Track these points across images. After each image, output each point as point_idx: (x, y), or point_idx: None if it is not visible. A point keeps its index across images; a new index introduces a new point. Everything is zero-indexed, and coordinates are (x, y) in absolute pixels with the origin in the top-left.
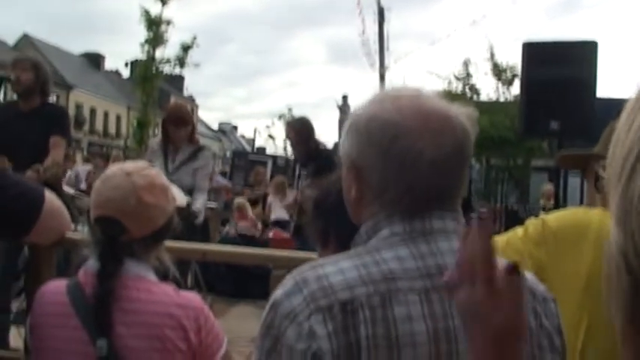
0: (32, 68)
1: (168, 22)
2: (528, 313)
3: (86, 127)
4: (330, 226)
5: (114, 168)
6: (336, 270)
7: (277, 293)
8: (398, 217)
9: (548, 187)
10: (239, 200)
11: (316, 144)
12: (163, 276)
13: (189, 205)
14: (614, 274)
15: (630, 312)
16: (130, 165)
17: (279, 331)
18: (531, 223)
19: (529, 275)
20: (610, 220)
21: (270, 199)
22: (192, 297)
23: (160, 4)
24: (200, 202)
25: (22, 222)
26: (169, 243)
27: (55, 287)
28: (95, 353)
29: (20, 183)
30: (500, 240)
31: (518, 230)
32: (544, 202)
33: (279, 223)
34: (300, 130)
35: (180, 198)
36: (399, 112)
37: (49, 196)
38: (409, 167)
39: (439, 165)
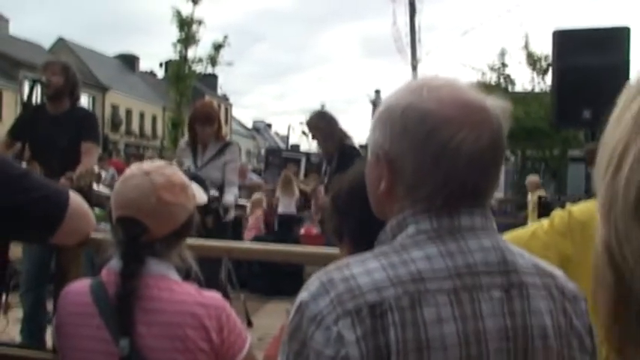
0: (62, 71)
1: (200, 22)
2: (558, 312)
3: (122, 129)
4: (344, 223)
5: (133, 168)
6: (363, 270)
7: (303, 295)
8: (425, 214)
9: None
10: (256, 195)
11: (341, 138)
12: (186, 275)
13: (219, 198)
14: (600, 267)
15: (614, 307)
16: (148, 164)
17: (306, 335)
18: (557, 214)
19: (559, 272)
20: (597, 218)
21: (277, 193)
22: (214, 296)
23: (191, 4)
24: (230, 196)
25: (47, 224)
26: (192, 241)
27: (79, 287)
28: (118, 352)
29: (45, 185)
30: (525, 232)
31: (544, 222)
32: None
33: (285, 217)
34: (318, 125)
35: (201, 196)
36: (438, 101)
37: (74, 197)
38: (447, 160)
39: (477, 159)
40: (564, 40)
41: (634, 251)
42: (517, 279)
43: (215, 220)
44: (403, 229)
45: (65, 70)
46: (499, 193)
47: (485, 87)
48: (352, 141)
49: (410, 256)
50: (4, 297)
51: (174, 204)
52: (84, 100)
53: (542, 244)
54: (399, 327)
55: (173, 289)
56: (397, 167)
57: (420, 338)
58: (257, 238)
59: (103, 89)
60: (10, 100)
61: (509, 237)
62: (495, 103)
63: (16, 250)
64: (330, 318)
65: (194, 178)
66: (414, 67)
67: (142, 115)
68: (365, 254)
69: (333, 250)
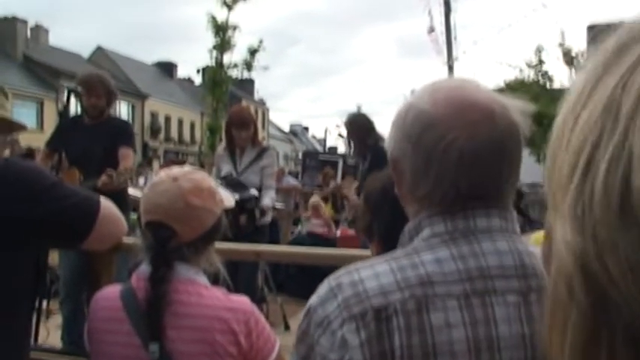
0: (105, 95)
1: (235, 27)
2: None
3: (162, 135)
4: (374, 222)
5: (162, 174)
6: (371, 274)
7: (313, 299)
8: (439, 217)
9: None
10: (314, 199)
11: (374, 140)
12: (214, 279)
13: (257, 198)
14: (563, 296)
15: (586, 343)
16: (176, 170)
17: (313, 339)
18: None
19: None
20: (560, 233)
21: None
22: (243, 300)
23: (226, 10)
24: (268, 199)
25: (79, 230)
26: (221, 245)
27: (109, 293)
28: (148, 357)
29: (75, 192)
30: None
31: None
32: None
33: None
34: (350, 126)
35: (229, 200)
36: (434, 103)
37: (105, 202)
38: (438, 159)
39: (472, 157)
40: (599, 34)
41: (620, 262)
42: (536, 283)
43: (249, 219)
44: (419, 232)
45: (107, 91)
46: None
47: (523, 84)
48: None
49: (420, 259)
50: (44, 303)
51: (201, 208)
52: (124, 108)
53: None
54: (404, 332)
55: (202, 294)
56: (400, 168)
57: (427, 344)
58: (295, 241)
59: (142, 97)
60: (51, 110)
61: (539, 236)
62: (511, 104)
63: (56, 257)
64: (336, 322)
65: (236, 184)
66: (450, 66)
67: (180, 122)
68: (376, 258)
69: (361, 252)
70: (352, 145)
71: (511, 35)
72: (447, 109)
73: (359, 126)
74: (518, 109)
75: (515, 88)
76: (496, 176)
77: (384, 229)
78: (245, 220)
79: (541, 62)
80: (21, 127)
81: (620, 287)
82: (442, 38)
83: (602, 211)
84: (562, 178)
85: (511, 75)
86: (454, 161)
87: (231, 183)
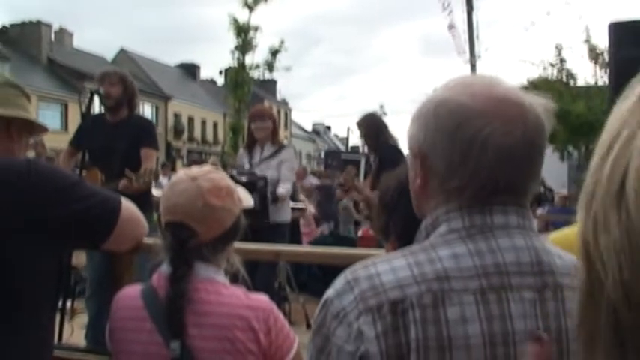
0: (120, 82)
1: (256, 28)
2: None
3: (185, 136)
4: (391, 221)
5: (180, 173)
6: (388, 268)
7: (329, 292)
8: (457, 213)
9: None
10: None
11: (384, 140)
12: (233, 278)
13: (265, 178)
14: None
15: (582, 312)
16: (195, 170)
17: (330, 330)
18: None
19: None
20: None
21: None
22: (262, 298)
23: (247, 11)
24: (283, 189)
25: (99, 231)
26: (240, 244)
27: (131, 292)
28: (169, 355)
29: (96, 193)
30: (573, 231)
31: None
32: None
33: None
34: (363, 126)
35: (247, 199)
36: (471, 96)
37: (125, 203)
38: (475, 153)
39: (507, 153)
40: (621, 31)
41: (609, 243)
42: (552, 280)
43: (261, 200)
44: (436, 228)
45: (122, 79)
46: (563, 190)
47: (546, 82)
48: (397, 143)
49: (437, 254)
50: (69, 303)
51: (220, 208)
52: (147, 110)
53: None
54: (419, 325)
55: (221, 292)
56: (430, 161)
57: (442, 337)
58: (317, 241)
59: (166, 98)
60: (75, 111)
61: (556, 236)
62: (536, 101)
63: (82, 257)
64: (352, 314)
65: (247, 172)
66: (473, 65)
67: (203, 122)
68: (393, 253)
69: (380, 251)
70: (367, 144)
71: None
72: (484, 103)
73: (368, 125)
74: (542, 106)
75: (538, 85)
76: (526, 173)
77: (400, 228)
78: (258, 199)
79: (562, 60)
80: (43, 129)
81: (607, 268)
82: (464, 37)
83: (604, 192)
84: (592, 163)
85: (534, 73)
86: (492, 155)
87: (242, 172)
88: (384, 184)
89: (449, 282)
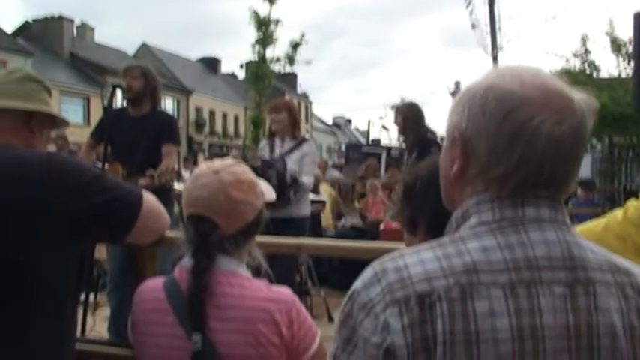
0: (141, 75)
1: (277, 22)
2: (630, 312)
3: (206, 130)
4: (419, 214)
5: (203, 167)
6: (416, 261)
7: (357, 284)
8: (487, 205)
9: None
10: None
11: (425, 132)
12: (256, 271)
13: (283, 160)
14: None
15: None
16: (217, 163)
17: (356, 322)
18: (631, 204)
19: (638, 270)
20: None
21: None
22: (284, 291)
23: (268, 5)
24: (307, 179)
25: (121, 224)
26: (263, 238)
27: (153, 285)
28: (191, 348)
29: (118, 186)
30: (598, 224)
31: (618, 213)
32: None
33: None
34: (406, 115)
35: (269, 193)
36: (520, 84)
37: (147, 196)
38: (524, 141)
39: (556, 144)
40: None
41: None
42: (584, 275)
43: (279, 181)
44: (466, 220)
45: (144, 73)
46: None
47: (569, 74)
48: (436, 137)
49: (466, 247)
50: (92, 296)
51: (242, 202)
52: (169, 104)
53: (616, 235)
54: (447, 318)
55: (244, 285)
56: (472, 147)
57: (470, 330)
58: (338, 234)
59: (187, 92)
60: (97, 106)
61: (582, 229)
62: (581, 96)
63: (104, 251)
64: (379, 306)
65: (269, 164)
66: (495, 57)
67: (224, 116)
68: (422, 245)
69: (402, 245)
70: (405, 134)
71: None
72: (535, 91)
73: (416, 113)
74: (586, 101)
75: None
76: (570, 165)
77: (429, 220)
78: (275, 181)
79: (587, 52)
80: (64, 123)
81: None
82: (486, 29)
83: None
84: None
85: (557, 65)
86: (541, 145)
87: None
88: (410, 175)
89: (477, 275)
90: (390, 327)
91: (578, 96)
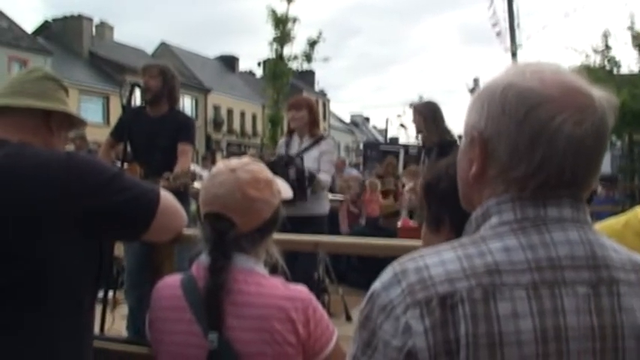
0: (159, 74)
1: (295, 19)
2: None
3: (224, 128)
4: (445, 212)
5: (220, 165)
6: (437, 261)
7: (376, 285)
8: (508, 204)
9: None
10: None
11: (444, 131)
12: (273, 269)
13: (301, 156)
14: None
15: None
16: (234, 161)
17: (376, 324)
18: None
19: None
20: None
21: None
22: (301, 289)
23: (285, 3)
24: (324, 176)
25: (139, 222)
26: (280, 235)
27: (171, 282)
28: (208, 345)
29: (135, 184)
30: (618, 221)
31: (639, 210)
32: None
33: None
34: (425, 114)
35: (286, 191)
36: (541, 82)
37: (164, 194)
38: (545, 140)
39: (577, 144)
40: None
41: None
42: (607, 275)
43: (298, 173)
44: (486, 220)
45: (162, 73)
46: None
47: (589, 70)
48: (455, 138)
49: (488, 247)
50: (110, 294)
51: (259, 200)
52: (187, 102)
53: (636, 233)
54: (470, 320)
55: (261, 283)
56: (492, 147)
57: (493, 333)
58: (355, 232)
59: (205, 91)
60: (116, 105)
61: (602, 226)
62: (602, 93)
63: (122, 248)
64: (399, 308)
65: (287, 160)
66: (514, 53)
67: (242, 115)
68: (442, 245)
69: (420, 243)
70: (424, 134)
71: (578, 20)
72: (556, 89)
73: (434, 112)
74: (607, 99)
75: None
76: (592, 165)
77: (457, 219)
78: (294, 174)
79: (608, 47)
80: (82, 123)
81: None
82: (505, 25)
83: None
84: None
85: (576, 61)
86: (562, 144)
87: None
88: (434, 172)
89: (500, 276)
90: (412, 330)
91: (599, 94)
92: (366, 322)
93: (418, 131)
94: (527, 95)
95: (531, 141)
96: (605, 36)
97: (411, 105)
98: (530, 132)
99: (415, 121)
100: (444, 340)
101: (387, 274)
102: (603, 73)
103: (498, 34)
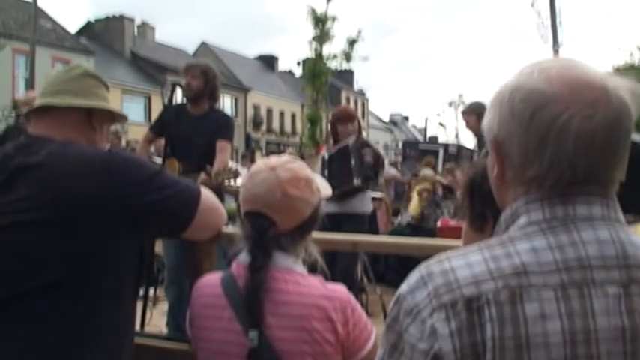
0: (202, 74)
1: (334, 18)
2: None
3: (263, 127)
4: (489, 210)
5: (259, 163)
6: (463, 263)
7: (402, 287)
8: (537, 204)
9: None
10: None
11: None
12: (312, 267)
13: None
14: None
15: None
16: (274, 160)
17: (402, 327)
18: None
19: None
20: None
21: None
22: (340, 289)
23: (325, 2)
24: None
25: (180, 220)
26: (319, 234)
27: (211, 280)
28: (248, 343)
29: (176, 182)
30: None
31: None
32: None
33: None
34: (479, 111)
35: (325, 189)
36: (546, 80)
37: (205, 192)
38: (553, 140)
39: (587, 139)
40: None
41: None
42: (639, 274)
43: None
44: (515, 220)
45: (204, 72)
46: None
47: (633, 68)
48: None
49: (515, 248)
50: (151, 291)
51: (299, 198)
52: (227, 102)
53: None
54: (496, 322)
55: (299, 282)
56: (505, 151)
57: (520, 335)
58: (394, 232)
59: (245, 90)
60: (158, 104)
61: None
62: (620, 83)
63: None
64: (425, 311)
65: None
66: (556, 51)
67: (281, 114)
68: (469, 247)
69: (458, 242)
70: (479, 134)
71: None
72: (561, 87)
73: (477, 115)
74: (628, 88)
75: (623, 72)
76: (609, 160)
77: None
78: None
79: None
80: (123, 118)
81: None
82: (547, 23)
83: None
84: None
85: (620, 59)
86: (571, 142)
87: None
88: (478, 170)
89: (527, 277)
90: (437, 333)
91: (616, 84)
92: (393, 325)
93: (475, 134)
94: (532, 97)
95: (539, 142)
96: None
97: (451, 104)
98: (537, 133)
99: (469, 122)
100: (470, 342)
101: (413, 277)
102: None
103: (541, 36)
